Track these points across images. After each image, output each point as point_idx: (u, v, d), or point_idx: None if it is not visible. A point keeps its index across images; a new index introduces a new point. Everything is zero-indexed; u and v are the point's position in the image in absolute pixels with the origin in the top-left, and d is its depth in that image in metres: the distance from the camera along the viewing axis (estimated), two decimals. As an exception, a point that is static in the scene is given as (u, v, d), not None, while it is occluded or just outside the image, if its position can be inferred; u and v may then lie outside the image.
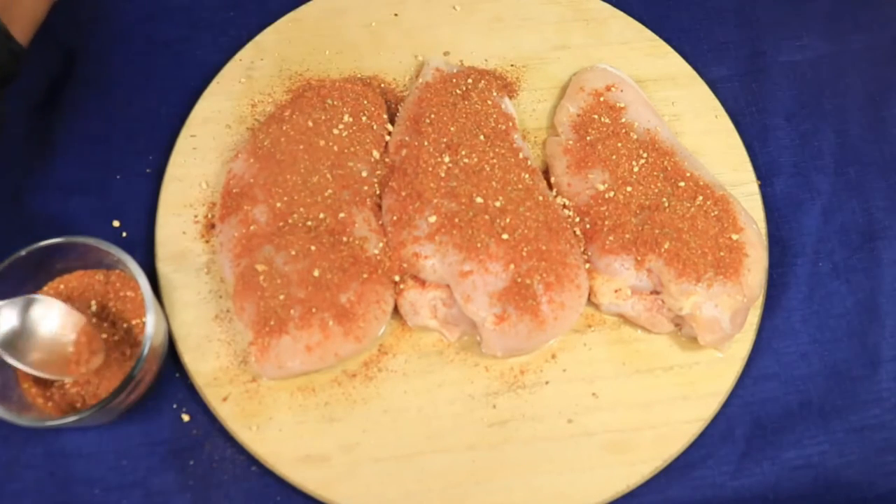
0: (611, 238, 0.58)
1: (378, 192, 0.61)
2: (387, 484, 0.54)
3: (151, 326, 0.51)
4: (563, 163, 0.62)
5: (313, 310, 0.54)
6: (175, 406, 0.57)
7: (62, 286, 0.56)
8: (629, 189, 0.60)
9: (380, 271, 0.56)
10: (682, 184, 0.60)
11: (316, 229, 0.57)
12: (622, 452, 0.55)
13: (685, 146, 0.64)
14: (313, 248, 0.56)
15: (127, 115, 0.66)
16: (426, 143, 0.61)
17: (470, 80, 0.65)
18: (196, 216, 0.61)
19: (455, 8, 0.71)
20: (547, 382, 0.57)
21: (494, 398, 0.57)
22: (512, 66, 0.69)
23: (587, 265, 0.59)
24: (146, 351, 0.51)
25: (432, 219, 0.57)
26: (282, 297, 0.54)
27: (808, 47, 0.74)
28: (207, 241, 0.60)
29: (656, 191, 0.60)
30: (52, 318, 0.52)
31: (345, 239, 0.57)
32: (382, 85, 0.68)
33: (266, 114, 0.65)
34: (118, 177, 0.64)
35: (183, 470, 0.55)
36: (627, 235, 0.58)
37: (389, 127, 0.65)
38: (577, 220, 0.60)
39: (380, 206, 0.60)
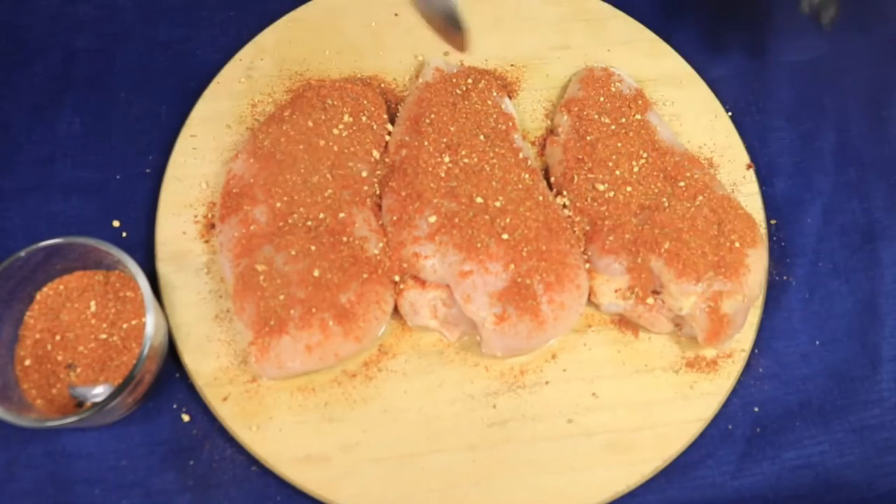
0: (611, 238, 0.58)
1: (378, 192, 0.61)
2: (387, 484, 0.54)
3: (151, 326, 0.51)
4: (562, 163, 0.62)
5: (313, 310, 0.54)
6: (175, 406, 0.57)
7: (62, 286, 0.56)
8: (629, 189, 0.60)
9: (380, 271, 0.56)
10: (682, 184, 0.60)
11: (316, 229, 0.57)
12: (622, 452, 0.55)
13: (685, 146, 0.64)
14: (313, 248, 0.56)
15: (127, 115, 0.67)
16: (426, 143, 0.61)
17: (470, 80, 0.65)
18: (196, 216, 0.61)
19: (455, 8, 0.72)
20: (547, 382, 0.57)
21: (494, 398, 0.57)
22: (512, 66, 0.69)
23: (587, 265, 0.59)
24: (146, 351, 0.51)
25: (432, 219, 0.57)
26: (282, 297, 0.54)
27: (808, 47, 0.74)
28: (207, 241, 0.60)
29: (656, 191, 0.60)
30: None
31: (345, 239, 0.57)
32: (382, 85, 0.68)
33: (266, 114, 0.65)
34: (118, 177, 0.64)
35: (183, 470, 0.55)
36: (627, 235, 0.58)
37: (389, 127, 0.65)
38: (577, 220, 0.60)
39: (380, 206, 0.60)
